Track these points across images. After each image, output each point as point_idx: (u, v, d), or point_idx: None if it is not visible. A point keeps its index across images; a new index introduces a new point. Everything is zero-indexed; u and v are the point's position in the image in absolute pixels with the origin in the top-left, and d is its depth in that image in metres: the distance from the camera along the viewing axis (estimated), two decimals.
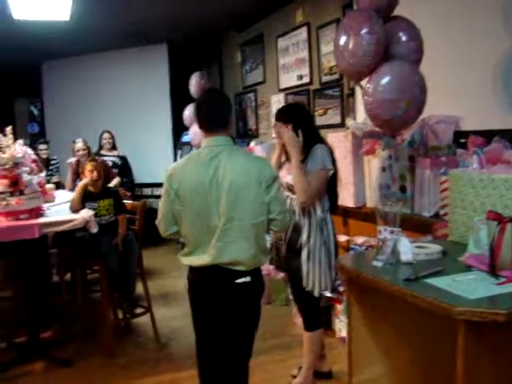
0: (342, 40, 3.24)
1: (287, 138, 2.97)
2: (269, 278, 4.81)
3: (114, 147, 6.64)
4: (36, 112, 9.77)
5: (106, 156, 6.34)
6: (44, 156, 6.45)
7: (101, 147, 6.60)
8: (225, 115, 2.48)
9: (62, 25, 6.09)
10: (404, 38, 3.17)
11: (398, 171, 3.39)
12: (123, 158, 6.66)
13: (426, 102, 3.15)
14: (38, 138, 8.29)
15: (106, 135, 6.59)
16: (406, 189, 3.36)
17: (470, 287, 1.75)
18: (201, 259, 2.43)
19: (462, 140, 3.42)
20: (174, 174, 2.44)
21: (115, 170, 6.32)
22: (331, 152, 3.06)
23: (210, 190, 2.35)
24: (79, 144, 6.00)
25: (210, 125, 2.44)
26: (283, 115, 3.09)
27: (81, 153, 5.92)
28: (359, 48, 3.14)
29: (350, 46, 3.19)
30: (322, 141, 3.09)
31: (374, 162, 3.61)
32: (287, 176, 3.06)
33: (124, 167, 6.64)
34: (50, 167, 6.52)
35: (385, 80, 3.09)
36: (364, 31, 3.10)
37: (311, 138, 3.03)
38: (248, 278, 2.39)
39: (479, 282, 1.80)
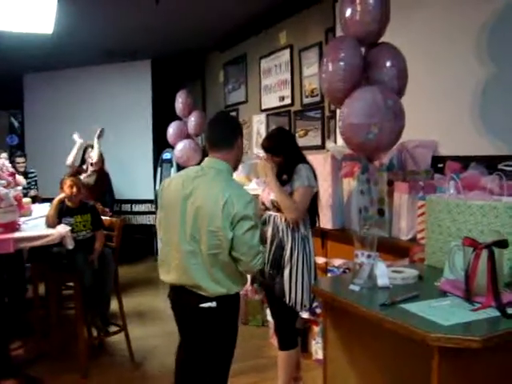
0: (322, 65, 3.32)
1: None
2: (245, 298, 4.81)
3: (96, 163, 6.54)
4: (16, 124, 9.67)
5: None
6: (21, 169, 6.40)
7: (83, 162, 6.52)
8: (224, 136, 2.48)
9: (44, 38, 6.07)
10: (386, 64, 3.21)
11: (376, 194, 3.41)
12: (106, 175, 6.59)
13: (402, 127, 3.18)
14: (17, 150, 8.21)
15: (90, 150, 6.47)
16: (384, 212, 3.38)
17: (445, 313, 1.75)
18: (168, 275, 2.47)
19: (440, 165, 3.47)
20: (163, 187, 2.55)
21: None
22: (313, 171, 3.12)
23: (182, 208, 2.38)
24: (95, 152, 6.03)
25: (210, 144, 2.50)
26: (272, 147, 3.11)
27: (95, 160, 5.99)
28: (333, 74, 3.21)
29: (326, 71, 3.26)
30: (305, 160, 3.14)
31: (353, 185, 3.61)
32: (271, 194, 3.08)
33: (106, 184, 6.58)
34: (28, 180, 6.43)
35: (354, 105, 3.14)
36: (338, 57, 3.16)
37: (295, 158, 3.09)
38: (213, 304, 2.39)
39: (455, 308, 1.80)
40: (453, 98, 3.49)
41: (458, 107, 3.46)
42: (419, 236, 3.09)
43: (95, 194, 5.62)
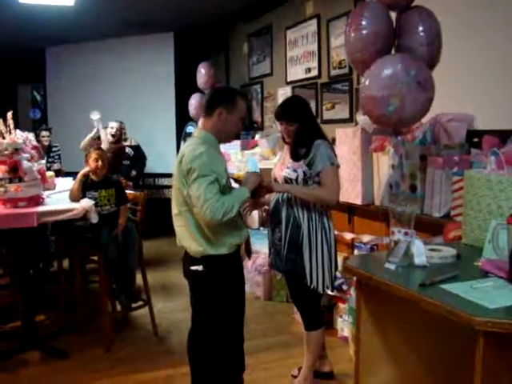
0: (346, 33, 3.21)
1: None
2: (269, 274, 4.76)
3: (124, 139, 6.49)
4: (39, 98, 9.67)
5: None
6: (46, 143, 6.37)
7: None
8: (206, 106, 2.60)
9: (66, 10, 6.01)
10: (416, 30, 3.04)
11: (408, 170, 3.29)
12: (135, 148, 6.57)
13: (429, 98, 3.02)
14: (40, 124, 8.22)
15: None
16: (417, 188, 3.26)
17: (488, 295, 1.65)
18: (176, 239, 2.65)
19: (475, 139, 3.32)
20: None
21: (125, 162, 6.27)
22: (331, 146, 3.04)
23: (173, 177, 2.58)
24: (114, 123, 5.98)
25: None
26: (286, 113, 3.01)
27: (114, 131, 5.93)
28: (354, 43, 3.10)
29: (348, 40, 3.15)
30: (322, 133, 3.03)
31: (384, 160, 3.50)
32: (285, 170, 2.99)
33: (137, 157, 6.55)
34: (51, 154, 6.43)
35: (373, 76, 3.01)
36: (360, 25, 3.05)
37: (311, 127, 2.99)
38: (200, 267, 2.52)
39: (498, 290, 1.70)
40: (490, 69, 3.32)
41: (495, 79, 3.29)
42: (453, 213, 2.98)
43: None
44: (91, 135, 5.91)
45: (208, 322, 2.60)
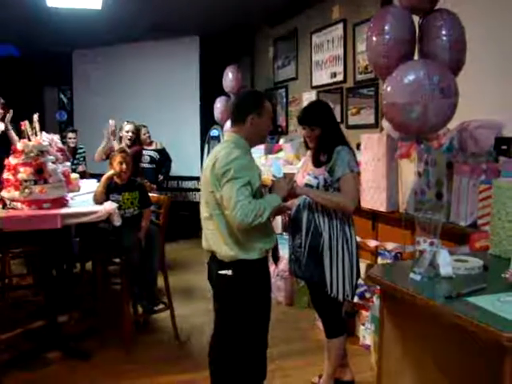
0: (368, 38, 3.18)
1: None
2: (291, 279, 4.73)
3: (150, 142, 6.48)
4: (65, 100, 9.77)
5: (145, 150, 6.23)
6: (72, 145, 6.44)
7: (139, 143, 6.31)
8: (236, 112, 2.60)
9: (93, 13, 6.07)
10: (439, 34, 2.99)
11: (434, 177, 3.23)
12: (161, 151, 6.53)
13: (452, 105, 2.97)
14: (67, 126, 8.30)
15: (144, 130, 6.36)
16: (443, 195, 3.20)
17: None
18: (203, 242, 2.64)
19: (504, 147, 3.24)
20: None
21: (150, 166, 6.24)
22: (353, 152, 3.00)
23: (202, 180, 2.59)
24: (129, 126, 5.75)
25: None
26: (309, 118, 2.99)
27: (130, 134, 5.70)
28: (376, 48, 3.06)
29: (370, 45, 3.12)
30: (344, 139, 2.99)
31: (409, 166, 3.44)
32: (306, 177, 2.98)
33: (162, 161, 6.52)
34: (77, 156, 6.48)
35: (395, 83, 2.97)
36: (382, 31, 3.01)
37: (333, 133, 2.96)
38: (229, 272, 2.49)
39: None
40: None
41: None
42: (480, 222, 2.91)
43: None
44: (102, 146, 5.67)
45: (233, 327, 2.58)
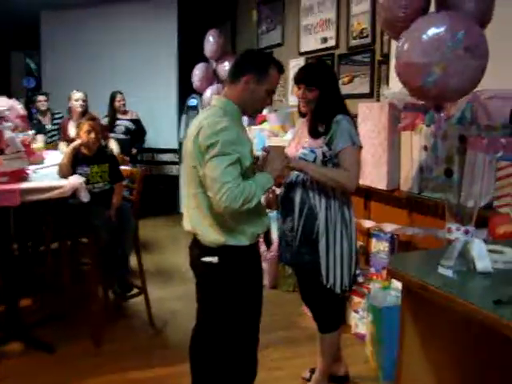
0: None
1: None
2: (275, 260, 4.45)
3: (124, 110, 6.20)
4: (33, 65, 9.27)
5: (120, 120, 6.04)
6: (43, 108, 6.07)
7: (114, 111, 6.11)
8: (231, 71, 2.28)
9: None
10: None
11: (444, 152, 2.91)
12: (136, 122, 6.26)
13: (481, 67, 2.61)
14: (35, 93, 7.88)
15: (119, 96, 6.11)
16: (453, 173, 2.89)
17: None
18: (184, 223, 2.34)
19: None
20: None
21: (126, 137, 5.99)
22: (355, 123, 2.67)
23: (184, 152, 2.28)
24: (79, 94, 5.49)
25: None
26: (307, 76, 2.64)
27: (80, 103, 5.44)
28: None
29: None
30: (346, 110, 2.65)
31: (415, 140, 3.15)
32: (301, 150, 2.63)
33: (137, 131, 6.25)
34: (54, 122, 6.08)
35: (411, 39, 2.61)
36: None
37: (333, 98, 2.62)
38: (215, 259, 2.20)
39: None
40: None
41: None
42: (497, 203, 2.62)
43: None
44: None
45: (218, 321, 2.29)
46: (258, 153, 2.56)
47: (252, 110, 2.31)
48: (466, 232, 1.60)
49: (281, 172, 2.32)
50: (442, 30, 2.45)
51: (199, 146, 2.09)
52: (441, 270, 1.59)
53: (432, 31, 2.46)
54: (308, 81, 2.62)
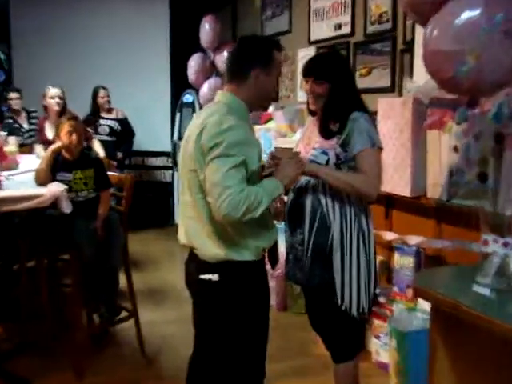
0: None
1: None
2: (284, 278, 4.50)
3: (109, 108, 6.32)
4: (2, 57, 9.40)
5: (104, 119, 6.14)
6: (16, 107, 6.12)
7: (97, 108, 6.21)
8: (236, 65, 2.31)
9: None
10: None
11: (477, 153, 2.95)
12: (122, 121, 6.37)
13: None
14: (6, 87, 7.96)
15: (102, 92, 6.19)
16: (487, 177, 2.92)
17: None
18: (179, 235, 2.38)
19: None
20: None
21: (110, 138, 6.08)
22: (374, 121, 2.71)
23: (182, 154, 2.32)
24: (55, 90, 5.51)
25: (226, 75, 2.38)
26: (316, 68, 2.68)
27: (57, 100, 5.47)
28: None
29: None
30: (363, 106, 2.68)
31: (443, 140, 3.20)
32: (311, 151, 2.65)
33: (123, 132, 6.35)
34: (32, 121, 6.13)
35: (441, 24, 2.62)
36: None
37: (349, 100, 2.64)
38: (215, 277, 2.22)
39: None
40: None
41: None
42: None
43: None
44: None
45: (218, 348, 2.31)
46: (264, 159, 2.59)
47: (261, 105, 2.40)
48: (505, 244, 1.62)
49: (294, 179, 2.35)
50: (477, 12, 2.47)
51: (201, 147, 2.12)
52: (476, 289, 1.61)
53: (466, 14, 2.49)
54: (316, 73, 2.65)
